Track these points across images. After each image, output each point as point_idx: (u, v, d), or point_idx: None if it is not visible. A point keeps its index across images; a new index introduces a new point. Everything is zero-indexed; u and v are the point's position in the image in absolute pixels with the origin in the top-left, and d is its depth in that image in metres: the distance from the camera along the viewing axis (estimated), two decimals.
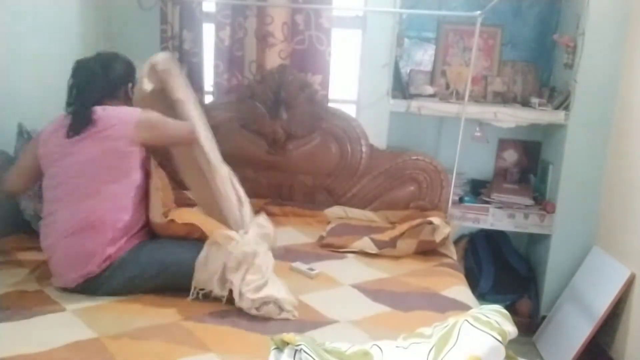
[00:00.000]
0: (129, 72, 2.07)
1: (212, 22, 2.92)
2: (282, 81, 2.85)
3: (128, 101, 2.05)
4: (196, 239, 1.90)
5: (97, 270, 1.80)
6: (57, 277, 1.85)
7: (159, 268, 1.84)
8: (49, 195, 1.90)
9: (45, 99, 2.57)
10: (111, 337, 1.55)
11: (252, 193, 2.92)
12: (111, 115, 1.90)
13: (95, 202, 1.83)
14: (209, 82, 3.01)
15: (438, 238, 2.40)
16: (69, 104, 1.95)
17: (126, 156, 1.89)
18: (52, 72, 2.62)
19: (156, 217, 1.92)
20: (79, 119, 1.88)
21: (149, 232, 1.99)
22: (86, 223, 1.81)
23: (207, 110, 2.95)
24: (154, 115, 1.97)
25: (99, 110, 1.89)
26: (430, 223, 2.39)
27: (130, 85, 2.07)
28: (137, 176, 1.92)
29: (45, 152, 1.91)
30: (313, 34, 2.84)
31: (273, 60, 2.88)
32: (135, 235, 1.91)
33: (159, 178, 1.97)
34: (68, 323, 1.63)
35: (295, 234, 2.57)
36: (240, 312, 1.75)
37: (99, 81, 1.96)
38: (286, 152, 2.92)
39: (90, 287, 1.81)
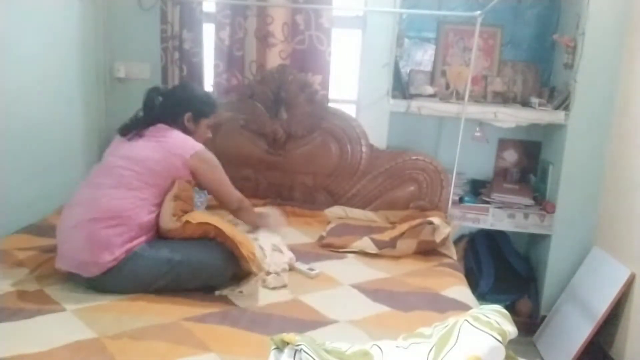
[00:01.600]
0: (189, 101, 2.15)
1: (212, 22, 2.92)
2: (282, 81, 2.85)
3: (186, 131, 2.11)
4: (210, 239, 1.93)
5: (114, 263, 1.80)
6: (72, 263, 1.84)
7: (169, 266, 1.85)
8: (87, 180, 1.99)
9: (45, 99, 2.58)
10: (111, 337, 1.55)
11: (252, 193, 2.94)
12: (176, 132, 2.06)
13: (131, 196, 1.89)
14: (209, 82, 3.01)
15: (438, 238, 2.40)
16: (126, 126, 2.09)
17: (176, 171, 1.98)
18: (52, 72, 2.64)
19: (168, 223, 1.92)
20: (140, 125, 2.05)
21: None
22: (115, 212, 1.85)
23: None
24: (214, 159, 2.11)
25: (163, 124, 2.06)
26: (431, 223, 2.39)
27: (189, 114, 2.13)
28: (169, 183, 1.99)
29: (105, 153, 2.10)
30: (313, 34, 2.84)
31: (273, 60, 2.88)
32: (152, 233, 1.94)
33: (182, 190, 1.98)
34: (68, 323, 1.62)
35: (295, 234, 2.57)
36: (241, 312, 1.75)
37: (156, 106, 2.12)
38: (286, 152, 2.93)
39: (101, 281, 1.81)
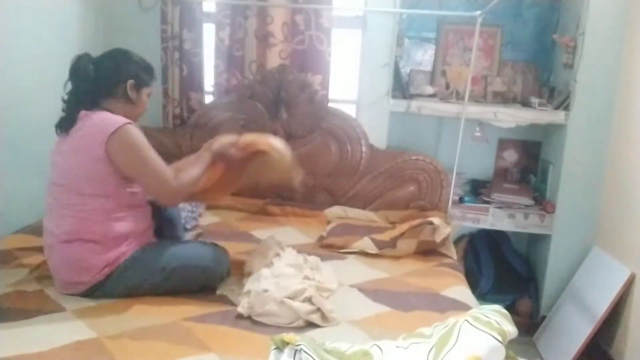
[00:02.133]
0: (126, 68, 1.88)
1: (212, 22, 2.92)
2: (282, 81, 2.85)
3: (129, 101, 1.88)
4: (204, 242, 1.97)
5: (97, 279, 1.77)
6: (57, 283, 1.82)
7: (163, 274, 1.82)
8: (48, 192, 1.86)
9: (45, 99, 2.58)
10: (111, 337, 1.55)
11: (252, 193, 2.94)
12: (95, 120, 1.78)
13: (81, 214, 1.76)
14: (209, 82, 3.01)
15: (438, 238, 2.40)
16: (63, 102, 1.87)
17: (102, 167, 1.76)
18: (52, 72, 2.63)
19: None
20: (66, 119, 1.83)
21: (154, 233, 1.99)
22: (75, 234, 1.76)
23: (207, 110, 2.98)
24: (138, 138, 1.77)
25: (85, 114, 1.80)
26: (431, 223, 2.39)
27: (130, 82, 1.87)
28: (122, 188, 1.81)
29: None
30: (313, 34, 2.84)
31: (273, 60, 2.88)
32: (137, 239, 1.85)
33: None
34: (68, 323, 1.62)
35: (295, 234, 2.57)
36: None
37: (87, 79, 1.83)
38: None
39: (94, 293, 1.79)
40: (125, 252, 1.80)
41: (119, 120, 1.77)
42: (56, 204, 1.80)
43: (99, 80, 1.85)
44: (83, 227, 1.76)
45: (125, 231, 1.81)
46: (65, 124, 1.82)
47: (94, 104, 1.84)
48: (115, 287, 1.79)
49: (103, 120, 1.77)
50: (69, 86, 1.88)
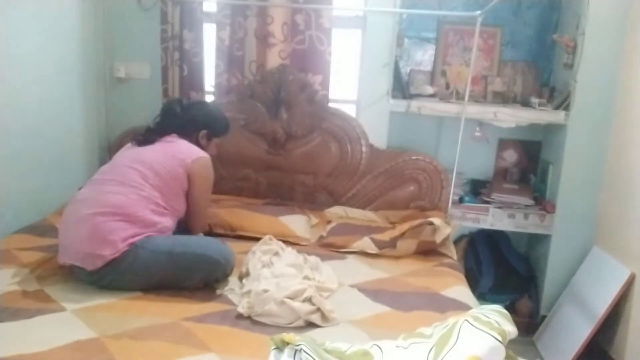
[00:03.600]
0: (207, 121, 2.27)
1: (212, 22, 2.92)
2: (282, 81, 2.85)
3: (198, 145, 2.20)
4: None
5: (115, 255, 1.82)
6: (73, 255, 1.86)
7: (169, 257, 1.87)
8: (92, 179, 2.04)
9: (45, 99, 2.58)
10: (111, 337, 1.55)
11: (252, 193, 2.94)
12: (184, 141, 2.16)
13: (133, 193, 1.93)
14: (209, 82, 3.01)
15: (438, 239, 2.40)
16: (149, 128, 2.22)
17: (177, 175, 2.05)
18: (52, 72, 2.63)
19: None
20: (151, 138, 2.13)
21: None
22: (118, 209, 1.88)
23: None
24: (211, 174, 2.17)
25: (175, 135, 2.16)
26: (431, 224, 2.39)
27: (204, 132, 2.25)
28: (181, 196, 2.09)
29: (115, 155, 2.18)
30: (313, 34, 2.84)
31: (273, 60, 2.88)
32: (161, 232, 1.98)
33: None
34: (68, 323, 1.62)
35: None
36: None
37: (174, 118, 2.21)
38: (286, 152, 2.93)
39: (102, 274, 1.83)
40: (145, 234, 1.90)
41: (202, 152, 2.16)
42: (115, 182, 1.96)
43: (180, 124, 2.20)
44: (129, 205, 1.91)
45: (154, 222, 1.95)
46: (150, 140, 2.13)
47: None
48: (126, 268, 1.82)
49: (194, 147, 2.16)
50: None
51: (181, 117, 2.23)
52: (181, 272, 1.88)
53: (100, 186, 1.98)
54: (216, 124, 2.32)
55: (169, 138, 2.14)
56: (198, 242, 2.00)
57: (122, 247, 1.84)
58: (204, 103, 2.49)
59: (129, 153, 2.10)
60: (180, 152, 2.09)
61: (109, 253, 1.82)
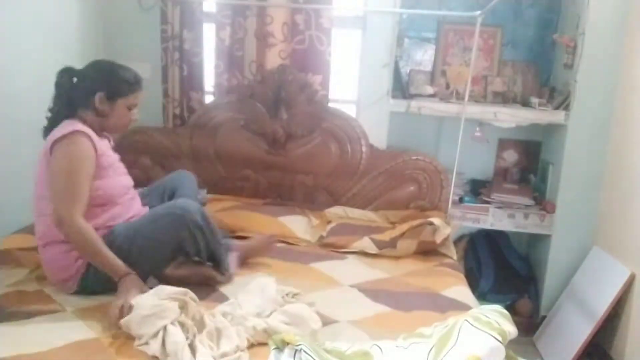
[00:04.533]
0: (98, 81, 1.89)
1: (212, 22, 2.92)
2: (282, 81, 2.85)
3: (98, 112, 1.89)
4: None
5: (77, 275, 1.80)
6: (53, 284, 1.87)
7: (129, 240, 1.80)
8: None
9: (45, 99, 2.57)
10: (111, 337, 1.55)
11: (252, 193, 2.94)
12: (56, 129, 1.83)
13: (45, 218, 1.81)
14: (209, 82, 3.01)
15: (439, 239, 2.40)
16: (48, 111, 1.94)
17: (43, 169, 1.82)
18: (52, 72, 2.62)
19: None
20: (47, 127, 1.91)
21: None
22: (45, 238, 1.84)
23: (207, 110, 2.98)
24: (74, 151, 1.77)
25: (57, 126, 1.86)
26: (431, 224, 2.39)
27: (100, 94, 1.87)
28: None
29: None
30: (313, 34, 2.84)
31: (273, 60, 2.88)
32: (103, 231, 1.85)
33: None
34: (68, 323, 1.63)
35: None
36: None
37: (65, 91, 1.91)
38: (286, 152, 2.93)
39: (86, 289, 1.82)
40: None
41: (68, 129, 1.79)
42: (34, 212, 1.88)
43: (75, 95, 1.89)
44: (49, 230, 1.81)
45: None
46: (46, 132, 1.89)
47: (72, 115, 1.89)
48: (99, 276, 1.77)
49: (57, 129, 1.82)
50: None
51: (76, 86, 1.91)
52: (147, 246, 1.81)
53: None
54: (115, 80, 1.90)
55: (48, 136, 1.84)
56: (151, 214, 1.90)
57: (74, 264, 1.80)
58: (97, 61, 2.00)
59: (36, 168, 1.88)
60: (45, 149, 1.81)
61: (69, 276, 1.81)
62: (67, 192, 1.74)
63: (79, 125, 1.82)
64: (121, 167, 2.01)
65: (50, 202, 1.77)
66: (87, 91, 1.88)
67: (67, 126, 1.81)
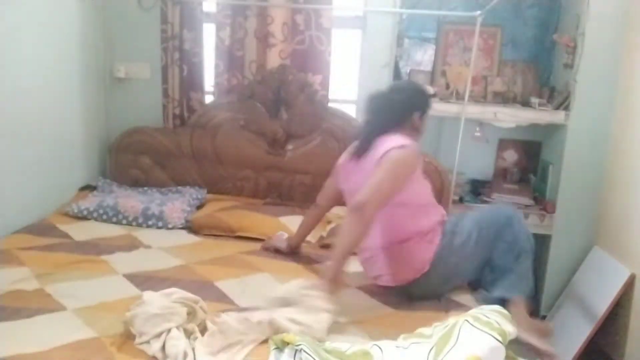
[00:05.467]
0: (414, 102, 2.05)
1: (212, 22, 2.92)
2: (282, 81, 2.85)
3: (414, 131, 2.04)
4: None
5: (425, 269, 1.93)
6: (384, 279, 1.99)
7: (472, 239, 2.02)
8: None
9: (45, 99, 2.58)
10: (111, 337, 1.55)
11: (252, 193, 2.94)
12: (382, 142, 1.93)
13: (392, 220, 1.95)
14: (209, 82, 3.01)
15: None
16: (360, 131, 2.08)
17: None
18: (52, 72, 2.63)
19: None
20: (363, 145, 2.00)
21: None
22: (400, 237, 1.95)
23: (207, 110, 2.98)
24: (402, 159, 1.88)
25: (380, 139, 1.95)
26: None
27: (417, 114, 2.04)
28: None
29: (338, 175, 2.15)
30: (313, 34, 2.84)
31: (273, 60, 2.88)
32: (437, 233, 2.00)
33: None
34: (68, 323, 1.63)
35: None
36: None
37: (381, 113, 2.01)
38: (286, 152, 2.93)
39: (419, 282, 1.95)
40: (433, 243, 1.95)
41: (397, 142, 1.91)
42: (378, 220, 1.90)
43: (389, 116, 2.01)
44: (403, 227, 1.96)
45: (430, 225, 1.97)
46: (362, 149, 2.00)
47: (385, 133, 1.98)
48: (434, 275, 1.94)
49: (387, 141, 1.93)
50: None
51: (388, 109, 2.01)
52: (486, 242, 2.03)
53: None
54: (424, 97, 2.10)
55: (373, 149, 1.94)
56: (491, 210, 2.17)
57: (426, 263, 1.94)
58: (404, 83, 2.29)
59: (350, 182, 2.02)
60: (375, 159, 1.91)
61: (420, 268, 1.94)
62: (378, 184, 1.84)
63: (400, 140, 1.93)
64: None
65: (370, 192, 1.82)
66: (405, 112, 2.03)
67: (391, 141, 1.92)
